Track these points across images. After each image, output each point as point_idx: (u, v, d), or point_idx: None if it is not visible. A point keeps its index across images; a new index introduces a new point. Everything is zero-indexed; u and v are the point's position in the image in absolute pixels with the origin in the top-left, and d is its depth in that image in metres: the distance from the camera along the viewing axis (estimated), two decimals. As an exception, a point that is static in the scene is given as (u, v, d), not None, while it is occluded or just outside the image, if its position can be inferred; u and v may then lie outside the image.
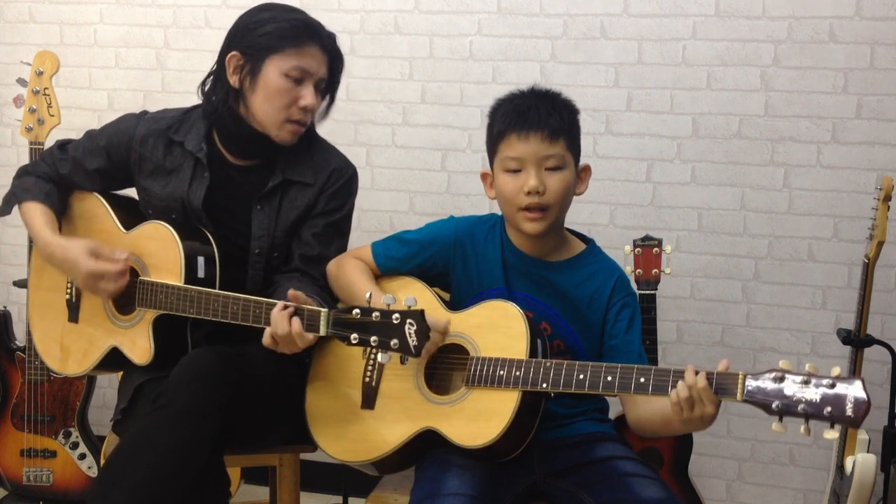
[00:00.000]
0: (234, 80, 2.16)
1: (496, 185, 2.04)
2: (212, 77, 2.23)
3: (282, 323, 1.90)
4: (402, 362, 1.84)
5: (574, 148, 2.02)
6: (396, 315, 1.79)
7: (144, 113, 2.33)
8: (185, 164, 2.22)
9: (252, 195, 2.22)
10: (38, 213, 2.27)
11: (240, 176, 2.23)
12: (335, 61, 2.21)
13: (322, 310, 1.89)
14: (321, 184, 2.23)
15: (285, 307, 1.92)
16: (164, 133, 2.24)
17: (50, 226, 2.25)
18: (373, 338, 1.81)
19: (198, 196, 2.20)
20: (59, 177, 2.32)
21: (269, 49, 2.10)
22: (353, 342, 1.83)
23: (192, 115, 2.27)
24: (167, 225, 2.15)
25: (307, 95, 2.12)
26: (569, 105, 2.04)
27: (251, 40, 2.12)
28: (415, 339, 1.78)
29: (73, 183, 2.33)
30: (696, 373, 1.72)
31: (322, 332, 1.88)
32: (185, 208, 2.21)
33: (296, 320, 1.90)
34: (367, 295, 1.84)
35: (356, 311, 1.83)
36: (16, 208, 2.34)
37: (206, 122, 2.23)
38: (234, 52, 2.15)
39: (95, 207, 2.31)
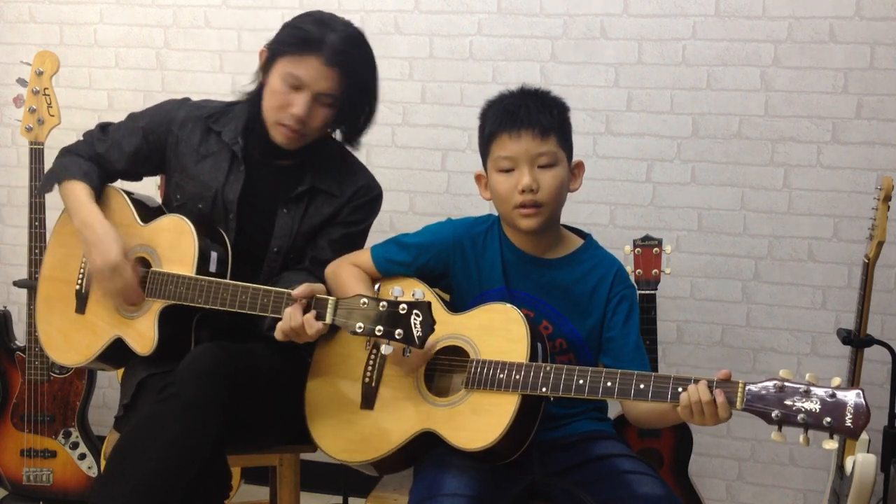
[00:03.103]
0: (260, 72, 2.22)
1: (490, 185, 2.05)
2: None
3: (294, 316, 1.93)
4: (405, 354, 1.83)
5: (566, 145, 2.03)
6: (403, 305, 1.79)
7: (187, 100, 2.37)
8: (221, 154, 2.26)
9: (279, 197, 2.25)
10: (79, 189, 2.26)
11: (270, 176, 2.26)
12: (349, 78, 2.17)
13: (329, 298, 1.91)
14: (348, 196, 2.27)
15: (297, 302, 1.94)
16: (204, 121, 2.28)
17: (93, 200, 2.25)
18: (378, 327, 1.80)
19: (234, 190, 2.24)
20: (96, 155, 2.33)
21: (279, 52, 2.15)
22: (358, 331, 1.83)
23: (235, 108, 2.31)
24: (185, 218, 2.18)
25: (298, 104, 2.13)
26: (559, 102, 2.05)
27: (274, 39, 2.18)
28: (419, 329, 1.77)
29: (109, 162, 2.34)
30: (697, 381, 1.72)
31: (328, 319, 1.90)
32: (215, 200, 2.24)
33: (309, 313, 1.93)
34: (376, 286, 1.84)
35: (364, 300, 1.83)
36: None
37: (247, 115, 2.26)
38: (264, 48, 2.20)
39: (115, 201, 2.32)
